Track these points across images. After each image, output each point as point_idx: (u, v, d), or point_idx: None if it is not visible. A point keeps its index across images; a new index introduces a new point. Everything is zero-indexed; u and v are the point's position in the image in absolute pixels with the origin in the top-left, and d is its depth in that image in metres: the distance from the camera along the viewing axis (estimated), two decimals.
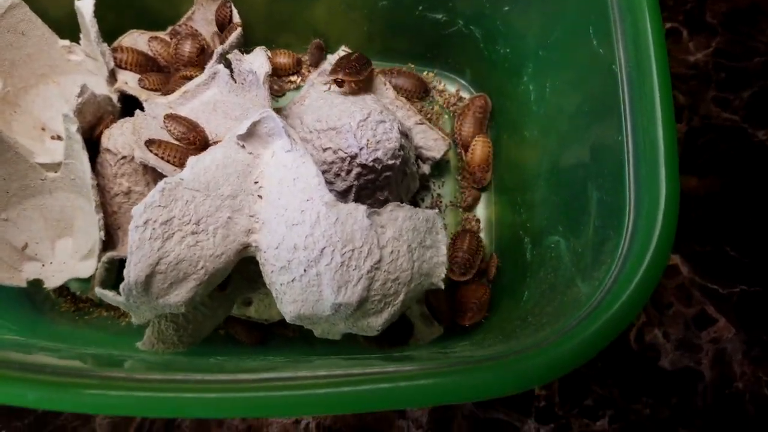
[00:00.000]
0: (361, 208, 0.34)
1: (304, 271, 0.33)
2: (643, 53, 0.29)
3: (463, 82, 0.52)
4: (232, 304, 0.42)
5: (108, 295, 0.34)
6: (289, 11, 0.49)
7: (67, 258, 0.42)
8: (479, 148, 0.48)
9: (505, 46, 0.45)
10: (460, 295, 0.46)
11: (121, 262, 0.41)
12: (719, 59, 0.56)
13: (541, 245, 0.40)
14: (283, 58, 0.49)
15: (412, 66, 0.52)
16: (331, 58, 0.44)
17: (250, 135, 0.35)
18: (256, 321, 0.45)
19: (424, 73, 0.52)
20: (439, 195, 0.49)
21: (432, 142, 0.46)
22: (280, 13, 0.49)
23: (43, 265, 0.42)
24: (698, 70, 0.56)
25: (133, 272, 0.32)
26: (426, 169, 0.46)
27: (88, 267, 0.41)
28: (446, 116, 0.51)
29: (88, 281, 0.45)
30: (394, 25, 0.49)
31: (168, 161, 0.37)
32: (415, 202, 0.48)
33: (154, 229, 0.32)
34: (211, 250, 0.34)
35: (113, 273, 0.43)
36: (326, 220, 0.33)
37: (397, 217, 0.36)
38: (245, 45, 0.47)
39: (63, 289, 0.46)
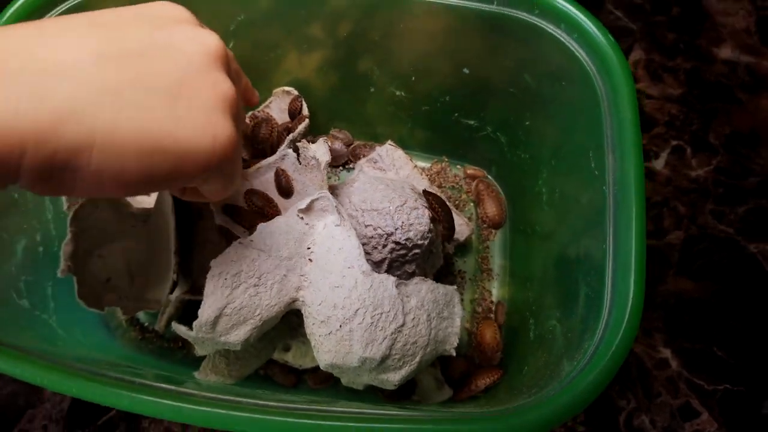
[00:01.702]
0: (391, 279, 0.41)
1: (340, 326, 0.41)
2: (626, 183, 0.36)
3: (489, 177, 0.60)
4: (274, 348, 0.50)
5: (182, 329, 0.41)
6: (346, 105, 0.59)
7: (140, 294, 0.50)
8: (488, 333, 0.52)
9: (525, 152, 0.53)
10: (473, 373, 0.51)
11: (189, 302, 0.49)
12: (719, 176, 0.63)
13: (543, 327, 0.46)
14: (338, 144, 0.59)
15: (446, 159, 0.60)
16: (380, 150, 0.53)
17: (308, 209, 0.43)
18: (291, 366, 0.52)
19: (458, 166, 0.60)
20: (461, 270, 0.57)
21: (457, 227, 0.53)
22: (338, 106, 0.59)
23: (119, 298, 0.50)
24: (699, 185, 0.63)
25: (206, 313, 0.39)
26: (450, 249, 0.54)
27: (157, 303, 0.49)
28: (471, 204, 0.59)
29: (155, 315, 0.53)
30: (433, 126, 0.57)
31: (241, 225, 0.45)
32: (439, 276, 0.56)
33: (225, 279, 0.40)
34: (267, 301, 0.41)
35: (180, 311, 0.51)
36: (362, 285, 0.41)
37: (421, 289, 0.43)
38: (310, 130, 0.57)
39: (134, 319, 0.54)
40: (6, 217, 0.44)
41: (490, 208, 0.57)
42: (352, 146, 0.59)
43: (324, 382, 0.51)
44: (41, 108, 0.23)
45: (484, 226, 0.58)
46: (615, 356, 0.33)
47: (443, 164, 0.60)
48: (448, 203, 0.49)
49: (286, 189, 0.47)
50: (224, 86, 0.30)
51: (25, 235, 0.45)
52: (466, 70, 0.50)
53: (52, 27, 0.26)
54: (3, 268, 0.43)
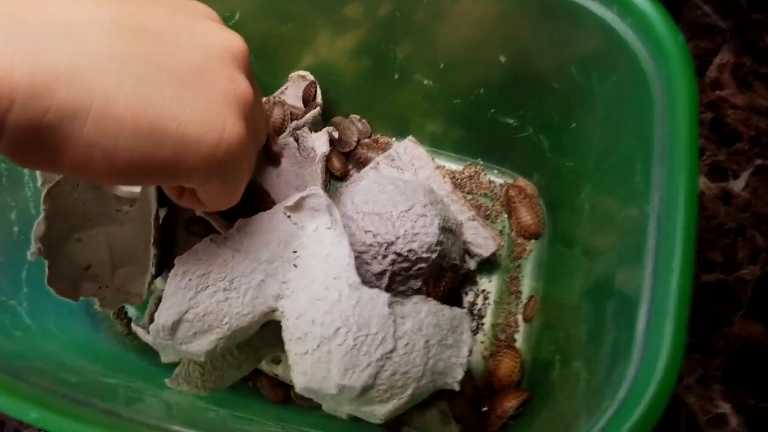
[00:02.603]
0: (383, 296, 0.36)
1: (317, 346, 0.35)
2: (674, 204, 0.29)
3: (528, 182, 0.53)
4: (259, 360, 0.45)
5: (139, 331, 0.37)
6: (374, 93, 0.53)
7: (123, 285, 0.47)
8: (503, 366, 0.46)
9: (569, 160, 0.46)
10: (496, 397, 0.45)
11: None
12: None
13: (567, 367, 0.39)
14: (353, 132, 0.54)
15: (480, 162, 0.54)
16: (398, 146, 0.47)
17: (297, 207, 0.38)
18: (282, 379, 0.47)
19: (494, 171, 0.54)
20: (484, 290, 0.50)
21: (482, 240, 0.47)
22: (366, 93, 0.53)
23: (99, 287, 0.47)
24: None
25: (163, 316, 0.35)
26: (472, 264, 0.47)
27: (138, 297, 0.46)
28: (505, 215, 0.52)
29: (143, 308, 0.50)
30: (468, 123, 0.51)
31: (225, 217, 0.41)
32: (457, 296, 0.49)
33: (190, 279, 0.36)
34: (238, 309, 0.37)
35: None
36: (347, 301, 0.35)
37: (421, 310, 0.37)
38: (330, 116, 0.53)
39: (121, 312, 0.51)
40: None
41: (524, 216, 0.50)
42: (360, 142, 0.54)
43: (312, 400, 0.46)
44: (39, 61, 0.22)
45: (519, 240, 0.51)
46: (637, 427, 0.26)
47: (477, 168, 0.54)
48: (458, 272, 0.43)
49: (272, 155, 0.42)
50: (242, 84, 0.29)
51: None
52: (502, 58, 0.44)
53: None
54: None
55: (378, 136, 0.55)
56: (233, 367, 0.44)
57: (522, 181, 0.52)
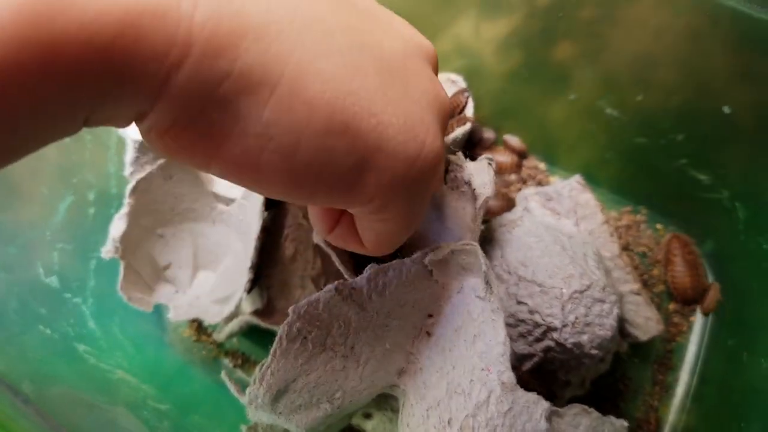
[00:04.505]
0: (542, 406, 0.29)
1: None
2: None
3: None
4: (349, 418, 0.39)
5: (231, 387, 0.32)
6: (522, 99, 0.46)
7: (202, 294, 0.42)
8: None
9: None
10: None
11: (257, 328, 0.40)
12: None
13: None
14: (503, 157, 0.46)
15: (644, 211, 0.46)
16: (561, 186, 0.39)
17: (443, 263, 0.32)
18: None
19: (657, 225, 0.46)
20: (625, 375, 0.43)
21: (642, 320, 0.40)
22: (512, 98, 0.46)
23: (176, 291, 0.42)
24: None
25: (266, 382, 0.29)
26: (623, 346, 0.40)
27: (218, 313, 0.40)
28: (662, 286, 0.45)
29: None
30: (641, 164, 0.43)
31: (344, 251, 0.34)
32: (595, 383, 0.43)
33: (305, 338, 0.30)
34: (354, 382, 0.31)
35: (245, 329, 0.42)
36: (496, 405, 0.29)
37: (579, 424, 0.31)
38: None
39: None
40: (49, 163, 0.36)
41: (680, 275, 0.43)
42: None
43: None
44: (226, 8, 0.18)
45: (675, 318, 0.44)
46: None
47: (638, 217, 0.46)
48: None
49: None
50: (442, 90, 0.25)
51: (74, 190, 0.37)
52: (726, 109, 0.35)
53: None
54: (32, 231, 0.35)
55: (512, 155, 0.47)
56: (323, 425, 0.39)
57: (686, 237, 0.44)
